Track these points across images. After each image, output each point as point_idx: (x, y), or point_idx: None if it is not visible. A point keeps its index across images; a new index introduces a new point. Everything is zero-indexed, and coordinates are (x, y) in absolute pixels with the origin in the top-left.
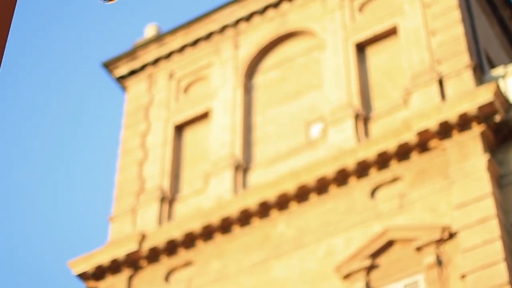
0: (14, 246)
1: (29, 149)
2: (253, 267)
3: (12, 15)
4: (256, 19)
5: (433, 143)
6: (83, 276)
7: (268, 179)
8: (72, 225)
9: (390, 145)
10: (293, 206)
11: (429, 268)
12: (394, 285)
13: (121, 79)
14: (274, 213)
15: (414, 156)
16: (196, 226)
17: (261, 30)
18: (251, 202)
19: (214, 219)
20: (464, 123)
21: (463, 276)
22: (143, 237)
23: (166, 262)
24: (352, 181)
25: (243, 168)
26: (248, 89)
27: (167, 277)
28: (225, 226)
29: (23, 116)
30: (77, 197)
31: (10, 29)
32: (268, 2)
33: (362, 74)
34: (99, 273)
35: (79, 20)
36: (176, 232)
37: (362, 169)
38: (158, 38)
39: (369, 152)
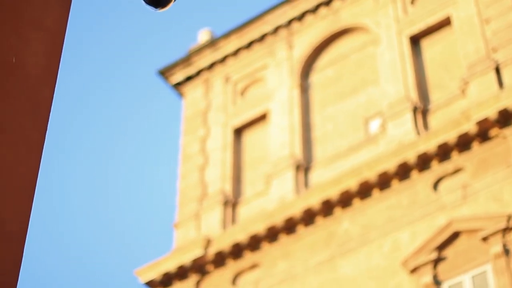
0: (81, 257)
1: (90, 159)
2: (320, 266)
3: (66, 26)
4: (309, 18)
5: (493, 131)
6: (151, 284)
7: (329, 177)
8: (136, 233)
9: (450, 137)
10: (356, 203)
11: (497, 258)
12: (462, 276)
13: (177, 85)
14: (338, 211)
15: (475, 146)
16: (260, 228)
17: (314, 28)
18: (314, 201)
19: (278, 220)
20: None
21: None
22: (208, 242)
23: (232, 266)
24: (414, 174)
25: (304, 167)
26: (304, 89)
27: (234, 281)
28: (289, 226)
29: (83, 126)
30: (140, 205)
31: (64, 42)
32: (319, 0)
33: (418, 67)
34: (167, 280)
35: (132, 29)
36: (240, 235)
37: (424, 162)
38: (212, 42)
39: (430, 145)
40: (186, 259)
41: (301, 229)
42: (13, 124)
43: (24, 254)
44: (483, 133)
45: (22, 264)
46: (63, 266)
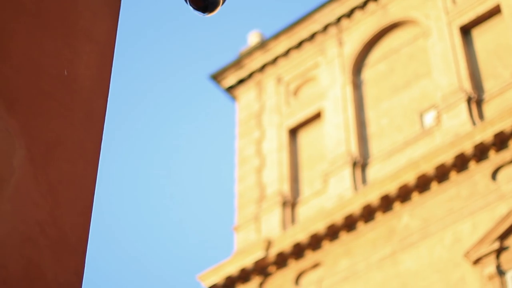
0: (143, 265)
1: (146, 166)
2: (382, 262)
3: (115, 36)
4: (357, 14)
5: None
6: None
7: (387, 172)
8: (197, 238)
9: (507, 125)
10: (415, 196)
11: None
12: None
13: (230, 89)
14: (397, 206)
15: None
16: (320, 227)
17: (363, 24)
18: (373, 197)
19: (338, 218)
20: None
21: None
22: (269, 244)
23: (294, 266)
24: (472, 165)
25: (360, 164)
26: (357, 85)
27: (297, 281)
28: (349, 223)
29: (139, 134)
30: (199, 210)
31: (115, 51)
32: None
33: (470, 57)
34: (229, 283)
35: (181, 35)
36: (301, 235)
37: (481, 152)
38: (262, 44)
39: (486, 134)
40: (247, 261)
41: (361, 226)
42: (69, 137)
43: (86, 264)
44: None
45: (84, 274)
46: (125, 274)
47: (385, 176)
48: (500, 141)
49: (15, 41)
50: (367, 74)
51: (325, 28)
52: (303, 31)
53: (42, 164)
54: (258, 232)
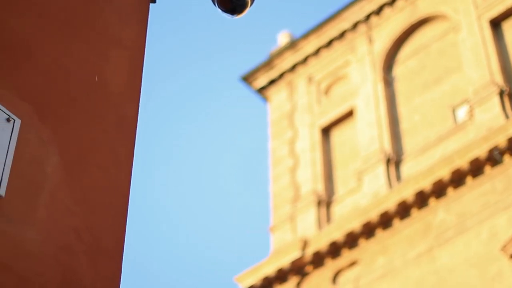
0: (179, 269)
1: (179, 169)
2: (418, 258)
3: (145, 42)
4: (387, 11)
5: None
6: None
7: (421, 168)
8: (233, 240)
9: None
10: (450, 191)
11: None
12: None
13: (261, 90)
14: (432, 202)
15: None
16: (356, 225)
17: (393, 21)
18: (408, 193)
19: (373, 216)
20: None
21: None
22: (305, 243)
23: (331, 265)
24: (506, 158)
25: (394, 161)
26: (388, 82)
27: (334, 279)
28: (385, 221)
29: (171, 137)
30: (234, 212)
31: (145, 56)
32: None
33: (501, 50)
34: (267, 284)
35: (210, 38)
36: (337, 233)
37: None
38: (292, 44)
39: None
40: (284, 262)
41: (396, 223)
42: (101, 143)
43: (122, 268)
44: None
45: (121, 279)
46: (163, 277)
47: (419, 172)
48: None
49: (45, 49)
50: (398, 70)
51: (355, 26)
52: (332, 30)
53: (76, 170)
54: (294, 232)
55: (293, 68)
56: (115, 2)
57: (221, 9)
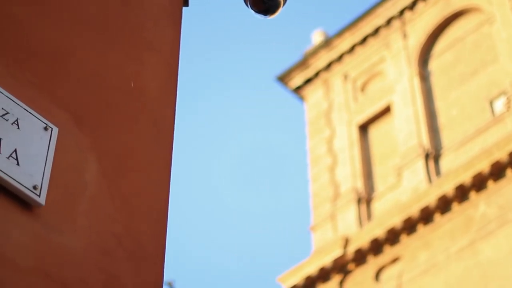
0: (221, 271)
1: (217, 170)
2: (461, 252)
3: (179, 45)
4: (420, 6)
5: None
6: None
7: (460, 162)
8: (274, 240)
9: None
10: (490, 184)
11: None
12: None
13: (297, 89)
14: (473, 195)
15: None
16: (397, 221)
17: (426, 15)
18: (448, 188)
19: (414, 211)
20: None
21: None
22: (346, 241)
23: (373, 262)
24: None
25: (433, 155)
26: (424, 77)
27: (376, 276)
28: (426, 216)
29: (208, 138)
30: (274, 211)
31: (180, 59)
32: None
33: None
34: (309, 283)
35: (245, 39)
36: (378, 230)
37: None
38: (327, 42)
39: None
40: (326, 260)
41: (437, 218)
42: (139, 148)
43: (164, 273)
44: None
45: (163, 283)
46: (204, 280)
47: (458, 166)
48: None
49: (80, 57)
50: (434, 64)
51: (389, 21)
52: (366, 27)
53: (115, 177)
54: (335, 230)
55: (328, 66)
56: (148, 7)
57: (254, 10)
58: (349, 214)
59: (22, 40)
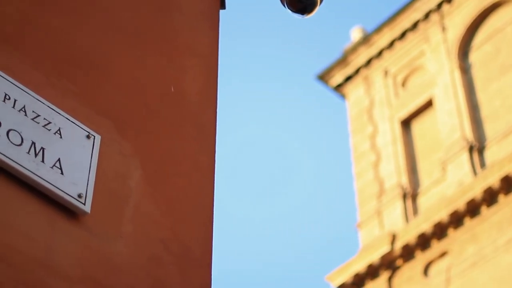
0: (269, 271)
1: (261, 171)
2: (509, 244)
3: (218, 48)
4: None
5: None
6: (343, 287)
7: (505, 154)
8: (320, 239)
9: None
10: None
11: None
12: None
13: (338, 87)
14: None
15: None
16: (443, 215)
17: (464, 7)
18: (493, 180)
19: (460, 205)
20: None
21: None
22: (393, 237)
23: (421, 257)
24: None
25: (477, 148)
26: (465, 69)
27: (425, 271)
28: (472, 209)
29: (251, 140)
30: (319, 210)
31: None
32: None
33: None
34: (358, 281)
35: (283, 39)
36: (425, 225)
37: None
38: (366, 39)
39: None
40: (374, 257)
41: (484, 210)
42: (182, 153)
43: (212, 276)
44: None
45: (212, 286)
46: (253, 280)
47: (503, 157)
48: None
49: (120, 64)
50: (474, 56)
51: (427, 15)
52: (405, 21)
53: (159, 182)
54: (382, 226)
55: (368, 63)
56: (185, 11)
57: (291, 10)
58: (395, 210)
59: (61, 50)
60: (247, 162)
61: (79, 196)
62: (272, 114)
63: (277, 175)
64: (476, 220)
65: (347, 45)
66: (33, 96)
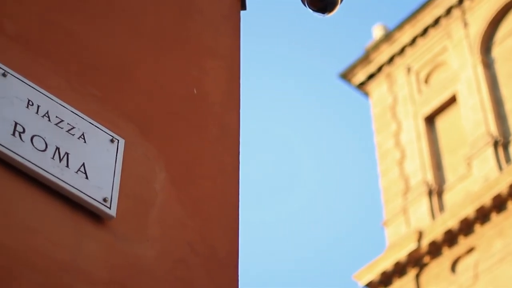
0: (295, 271)
1: (285, 171)
2: None
3: (239, 48)
4: None
5: None
6: (371, 285)
7: None
8: (346, 238)
9: None
10: None
11: None
12: None
13: (361, 85)
14: None
15: None
16: (469, 211)
17: (486, 2)
18: None
19: (486, 200)
20: None
21: None
22: (420, 234)
23: (448, 254)
24: None
25: (502, 142)
26: (487, 64)
27: (452, 268)
28: (498, 204)
29: (274, 140)
30: (344, 209)
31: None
32: None
33: None
34: (385, 279)
35: (304, 38)
36: (451, 221)
37: None
38: (387, 36)
39: None
40: (401, 255)
41: (510, 205)
42: (206, 154)
43: (239, 277)
44: None
45: (239, 285)
46: (280, 280)
47: None
48: None
49: (142, 67)
50: (497, 51)
51: (448, 11)
52: (426, 17)
53: (184, 184)
54: (408, 224)
55: (390, 60)
56: (206, 13)
57: (311, 9)
58: (421, 207)
59: (82, 54)
60: (271, 162)
61: (105, 200)
62: (295, 114)
63: (302, 175)
64: (502, 215)
65: (369, 43)
66: (56, 102)
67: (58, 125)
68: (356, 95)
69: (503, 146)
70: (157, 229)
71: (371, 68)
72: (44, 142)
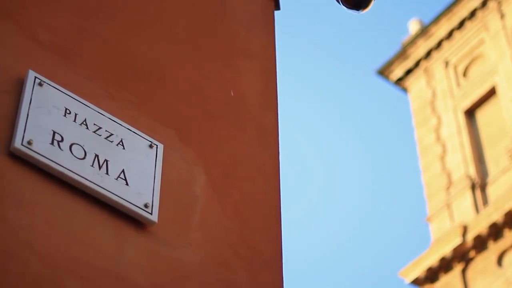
0: (339, 271)
1: (326, 172)
2: None
3: (275, 48)
4: None
5: None
6: (417, 282)
7: None
8: (390, 235)
9: None
10: None
11: None
12: None
13: (399, 81)
14: None
15: None
16: None
17: None
18: None
19: None
20: None
21: None
22: (465, 229)
23: (494, 247)
24: None
25: None
26: None
27: (499, 261)
28: None
29: (312, 139)
30: (388, 206)
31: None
32: None
33: None
34: (431, 275)
35: (341, 36)
36: (495, 215)
37: None
38: (424, 31)
39: None
40: (446, 250)
41: None
42: (245, 157)
43: (283, 278)
44: None
45: (284, 286)
46: (324, 281)
47: None
48: None
49: (178, 72)
50: None
51: (484, 3)
52: (462, 10)
53: (224, 187)
54: (452, 219)
55: (428, 54)
56: (239, 14)
57: (346, 6)
58: (465, 201)
59: (118, 61)
60: (311, 161)
61: (146, 206)
62: (335, 113)
63: (344, 173)
64: None
65: (406, 38)
66: (93, 109)
67: (96, 132)
68: (395, 91)
69: None
70: (199, 233)
71: (408, 63)
72: (83, 150)
